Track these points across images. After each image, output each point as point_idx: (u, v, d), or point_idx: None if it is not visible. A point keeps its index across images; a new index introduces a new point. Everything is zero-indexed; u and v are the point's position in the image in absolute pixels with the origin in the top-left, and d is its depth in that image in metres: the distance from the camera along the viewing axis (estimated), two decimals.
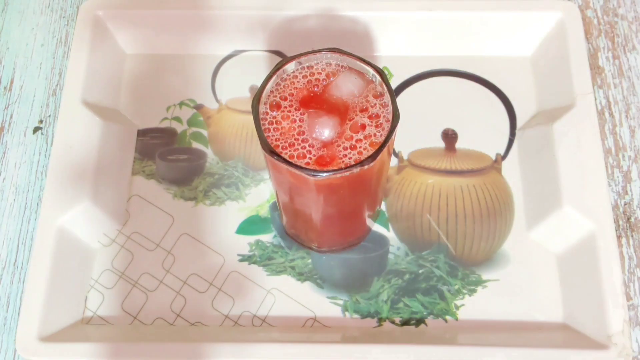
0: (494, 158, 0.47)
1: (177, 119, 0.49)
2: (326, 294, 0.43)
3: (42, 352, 0.39)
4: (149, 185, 0.47)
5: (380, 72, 0.34)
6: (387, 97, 0.34)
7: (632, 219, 0.45)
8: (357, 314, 0.42)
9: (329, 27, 0.49)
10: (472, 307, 0.42)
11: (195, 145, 0.48)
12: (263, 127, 0.34)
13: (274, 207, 0.46)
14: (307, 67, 0.35)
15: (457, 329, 0.42)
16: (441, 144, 0.48)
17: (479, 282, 0.43)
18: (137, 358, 0.39)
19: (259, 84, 0.34)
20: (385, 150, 0.32)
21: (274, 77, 0.35)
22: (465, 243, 0.44)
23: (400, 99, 0.49)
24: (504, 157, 0.47)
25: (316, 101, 0.34)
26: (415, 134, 0.48)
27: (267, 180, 0.47)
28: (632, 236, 0.45)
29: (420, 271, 0.44)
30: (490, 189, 0.46)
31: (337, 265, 0.44)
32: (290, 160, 0.32)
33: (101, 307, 0.43)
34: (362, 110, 0.34)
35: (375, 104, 0.34)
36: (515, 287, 0.43)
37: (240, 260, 0.44)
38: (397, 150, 0.47)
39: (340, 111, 0.34)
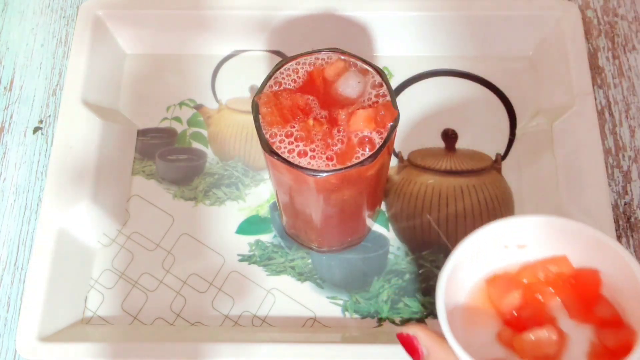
0: (494, 158, 0.47)
1: (177, 119, 0.49)
2: (326, 294, 0.43)
3: (42, 352, 0.39)
4: (149, 185, 0.47)
5: (380, 72, 0.34)
6: (386, 96, 0.34)
7: (632, 219, 0.45)
8: (357, 314, 0.42)
9: (329, 27, 0.49)
10: None
11: (195, 145, 0.48)
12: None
13: (274, 207, 0.46)
14: (308, 65, 0.35)
15: None
16: (441, 144, 0.48)
17: None
18: (137, 358, 0.39)
19: (259, 84, 0.34)
20: (385, 149, 0.32)
21: (274, 77, 0.35)
22: None
23: (400, 99, 0.49)
24: (504, 157, 0.47)
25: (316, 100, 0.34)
26: (415, 134, 0.48)
27: (267, 180, 0.47)
28: (632, 236, 0.45)
29: (420, 271, 0.44)
30: (490, 189, 0.46)
31: (337, 265, 0.44)
32: (290, 159, 0.32)
33: (101, 307, 0.43)
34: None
35: (377, 101, 0.34)
36: None
37: (240, 260, 0.44)
38: (397, 150, 0.47)
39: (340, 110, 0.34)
